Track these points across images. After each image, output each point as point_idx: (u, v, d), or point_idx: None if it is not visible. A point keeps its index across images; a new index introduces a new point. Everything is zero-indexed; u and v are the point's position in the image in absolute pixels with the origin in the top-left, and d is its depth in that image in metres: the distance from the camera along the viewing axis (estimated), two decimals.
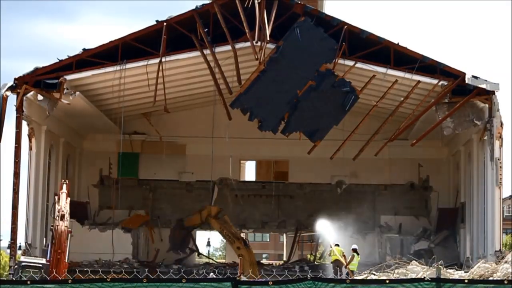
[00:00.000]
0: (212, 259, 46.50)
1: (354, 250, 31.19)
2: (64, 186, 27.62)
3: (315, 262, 45.07)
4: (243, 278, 25.86)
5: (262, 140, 42.40)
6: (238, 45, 34.70)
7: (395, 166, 44.89)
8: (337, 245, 32.26)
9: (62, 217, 25.78)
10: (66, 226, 25.54)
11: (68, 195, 27.34)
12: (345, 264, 30.82)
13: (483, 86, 34.03)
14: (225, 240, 38.71)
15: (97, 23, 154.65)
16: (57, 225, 25.71)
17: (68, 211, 26.29)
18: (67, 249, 25.27)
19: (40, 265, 27.33)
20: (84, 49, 35.11)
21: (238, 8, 33.59)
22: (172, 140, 45.19)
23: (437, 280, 13.26)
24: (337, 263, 31.24)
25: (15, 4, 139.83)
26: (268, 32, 33.32)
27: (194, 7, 34.53)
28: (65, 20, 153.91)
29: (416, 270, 27.07)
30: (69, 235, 25.56)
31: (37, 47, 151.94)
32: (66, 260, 25.38)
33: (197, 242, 45.41)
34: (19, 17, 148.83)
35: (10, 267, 32.85)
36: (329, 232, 32.13)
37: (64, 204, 26.59)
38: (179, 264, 40.42)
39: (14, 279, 27.30)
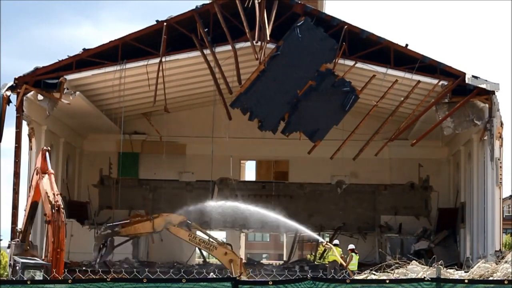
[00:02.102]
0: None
1: (352, 250, 31.18)
2: (48, 160, 23.54)
3: (315, 262, 45.09)
4: (243, 278, 25.84)
5: (262, 140, 42.50)
6: (238, 45, 34.71)
7: (395, 166, 44.91)
8: (336, 245, 32.25)
9: (58, 210, 22.71)
10: (63, 221, 22.72)
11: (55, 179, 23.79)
12: (344, 264, 30.81)
13: (483, 86, 34.05)
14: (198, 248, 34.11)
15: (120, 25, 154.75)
16: (55, 220, 22.67)
17: (61, 201, 23.16)
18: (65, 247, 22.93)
19: (41, 265, 27.39)
20: (84, 49, 35.12)
21: (238, 8, 33.60)
22: (172, 140, 45.21)
23: (437, 280, 13.26)
24: (334, 264, 31.23)
25: (46, 4, 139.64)
26: (268, 32, 33.32)
27: (194, 7, 34.54)
28: (90, 22, 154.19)
29: (416, 270, 27.05)
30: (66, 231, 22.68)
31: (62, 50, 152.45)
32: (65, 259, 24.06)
33: None
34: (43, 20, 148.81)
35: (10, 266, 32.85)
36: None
37: (56, 192, 23.36)
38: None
39: (13, 278, 27.32)
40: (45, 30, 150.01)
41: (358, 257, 31.65)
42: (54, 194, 23.35)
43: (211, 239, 32.93)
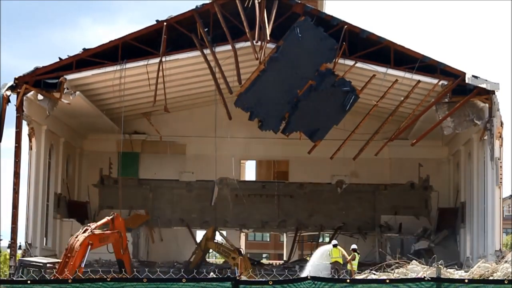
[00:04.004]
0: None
1: (354, 250, 31.14)
2: (113, 218, 29.27)
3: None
4: (243, 278, 25.85)
5: (262, 140, 42.49)
6: (238, 45, 34.70)
7: (395, 166, 44.90)
8: (335, 245, 32.21)
9: (85, 231, 27.67)
10: (86, 237, 27.21)
11: (112, 226, 29.05)
12: (348, 258, 30.77)
13: (483, 85, 34.04)
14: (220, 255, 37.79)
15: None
16: (77, 235, 27.60)
17: (94, 232, 27.85)
18: (80, 256, 26.81)
19: (41, 265, 27.47)
20: (84, 49, 35.10)
21: (238, 8, 33.59)
22: (172, 140, 45.21)
23: (437, 279, 13.26)
24: (336, 265, 31.19)
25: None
26: (268, 31, 33.31)
27: (194, 7, 34.54)
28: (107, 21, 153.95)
29: (416, 269, 27.10)
30: (89, 247, 27.14)
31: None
32: (78, 267, 26.44)
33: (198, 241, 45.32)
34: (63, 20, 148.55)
35: (10, 266, 32.86)
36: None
37: (96, 226, 28.43)
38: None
39: (14, 278, 27.39)
40: (61, 33, 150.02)
41: (359, 257, 31.61)
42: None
43: (227, 247, 35.90)
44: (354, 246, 31.84)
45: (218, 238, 38.55)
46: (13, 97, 33.71)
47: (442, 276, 13.80)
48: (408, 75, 34.84)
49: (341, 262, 31.14)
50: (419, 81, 35.03)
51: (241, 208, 45.17)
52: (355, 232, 44.92)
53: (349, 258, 30.73)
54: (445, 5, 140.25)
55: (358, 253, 31.25)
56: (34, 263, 27.94)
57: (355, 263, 30.73)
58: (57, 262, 28.07)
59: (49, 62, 34.67)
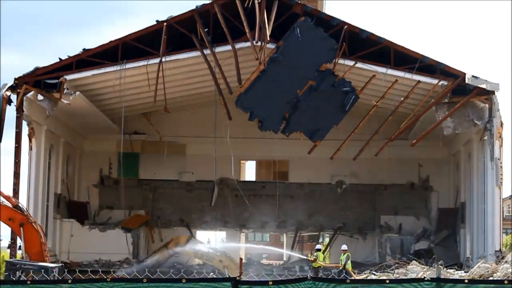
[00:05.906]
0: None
1: (345, 251, 30.75)
2: None
3: (312, 266, 45.06)
4: (243, 278, 25.81)
5: (262, 140, 42.51)
6: (238, 45, 34.70)
7: (395, 166, 44.89)
8: (319, 249, 31.96)
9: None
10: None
11: None
12: (339, 266, 30.68)
13: (483, 86, 34.06)
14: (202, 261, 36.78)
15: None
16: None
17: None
18: None
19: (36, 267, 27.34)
20: (84, 49, 35.11)
21: (238, 8, 33.60)
22: (172, 140, 45.25)
23: (437, 280, 13.25)
24: (317, 270, 31.02)
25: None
26: (268, 32, 33.32)
27: (194, 7, 34.54)
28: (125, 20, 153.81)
29: (416, 270, 27.10)
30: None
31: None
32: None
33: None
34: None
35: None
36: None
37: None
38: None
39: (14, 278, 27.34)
40: (75, 37, 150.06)
41: (350, 255, 31.08)
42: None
43: (210, 251, 35.51)
44: (344, 246, 31.50)
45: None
46: (13, 97, 33.69)
47: (442, 277, 13.80)
48: (408, 75, 34.85)
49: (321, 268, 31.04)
50: (419, 81, 35.04)
51: (241, 208, 45.18)
52: (355, 232, 44.93)
53: (345, 261, 30.55)
54: (445, 5, 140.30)
55: (347, 252, 30.80)
56: (22, 265, 27.69)
57: (348, 263, 30.55)
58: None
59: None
